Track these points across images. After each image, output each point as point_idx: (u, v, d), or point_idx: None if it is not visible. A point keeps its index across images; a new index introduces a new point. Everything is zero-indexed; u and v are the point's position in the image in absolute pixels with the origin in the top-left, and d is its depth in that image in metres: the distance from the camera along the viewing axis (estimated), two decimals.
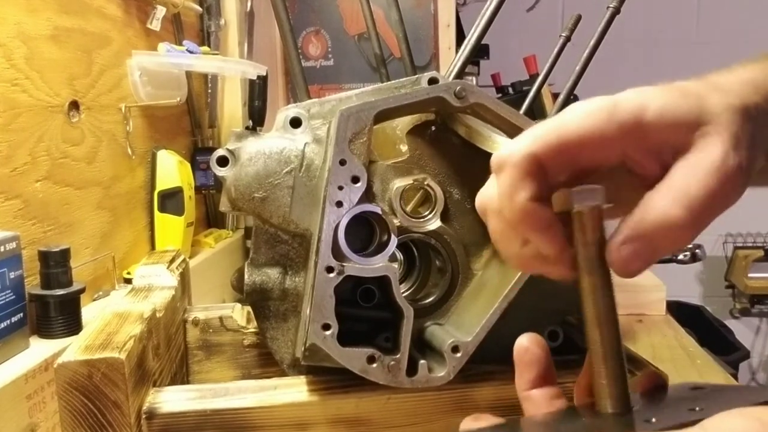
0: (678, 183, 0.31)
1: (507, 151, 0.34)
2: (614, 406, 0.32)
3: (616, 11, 0.77)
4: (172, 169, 1.08)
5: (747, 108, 0.34)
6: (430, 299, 0.55)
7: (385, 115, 0.51)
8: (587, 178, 0.34)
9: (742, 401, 0.26)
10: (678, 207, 0.30)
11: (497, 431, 0.34)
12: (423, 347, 0.53)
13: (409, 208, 0.54)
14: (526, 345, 0.37)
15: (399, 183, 0.53)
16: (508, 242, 0.35)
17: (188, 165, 1.15)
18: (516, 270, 0.48)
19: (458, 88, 0.50)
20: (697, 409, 0.29)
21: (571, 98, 0.81)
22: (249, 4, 1.48)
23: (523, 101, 0.87)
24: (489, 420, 0.35)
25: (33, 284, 0.72)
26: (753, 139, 0.33)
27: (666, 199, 0.31)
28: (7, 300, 0.64)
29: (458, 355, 0.49)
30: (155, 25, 1.10)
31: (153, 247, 1.08)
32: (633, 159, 0.34)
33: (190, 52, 1.12)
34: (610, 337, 0.33)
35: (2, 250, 0.63)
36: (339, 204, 0.48)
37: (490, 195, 0.35)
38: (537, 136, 0.33)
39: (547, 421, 0.35)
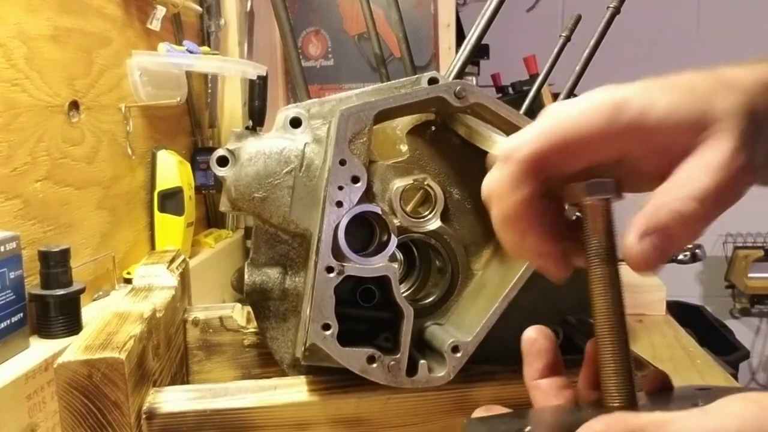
0: (690, 178, 0.32)
1: (513, 144, 0.34)
2: (621, 400, 0.33)
3: (616, 11, 0.77)
4: (172, 169, 1.08)
5: (755, 106, 0.34)
6: (430, 299, 0.55)
7: (385, 115, 0.51)
8: (588, 171, 0.34)
9: None
10: (692, 200, 0.31)
11: (506, 419, 0.35)
12: (423, 347, 0.53)
13: (409, 208, 0.54)
14: (534, 336, 0.38)
15: (399, 183, 0.53)
16: (507, 232, 0.35)
17: (188, 165, 1.15)
18: (514, 258, 0.48)
19: (458, 88, 0.50)
20: (701, 404, 0.29)
21: (571, 98, 0.81)
22: (249, 4, 1.48)
23: (523, 101, 0.87)
24: (501, 411, 0.36)
25: (33, 284, 0.72)
26: (759, 138, 0.34)
27: (681, 193, 0.32)
28: (7, 300, 0.64)
29: (458, 355, 0.49)
30: (155, 25, 1.10)
31: (153, 247, 1.08)
32: (636, 157, 0.34)
33: (190, 52, 1.12)
34: (619, 331, 0.33)
35: (2, 250, 0.63)
36: (339, 204, 0.48)
37: (495, 183, 0.35)
38: (542, 132, 0.33)
39: (553, 413, 0.35)
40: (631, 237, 0.32)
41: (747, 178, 0.33)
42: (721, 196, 0.32)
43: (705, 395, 0.34)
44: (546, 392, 0.37)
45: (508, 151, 0.34)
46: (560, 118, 0.34)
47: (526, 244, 0.35)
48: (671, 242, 0.32)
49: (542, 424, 0.34)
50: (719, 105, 0.33)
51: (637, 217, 0.32)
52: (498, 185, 0.34)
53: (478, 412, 0.36)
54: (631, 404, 0.33)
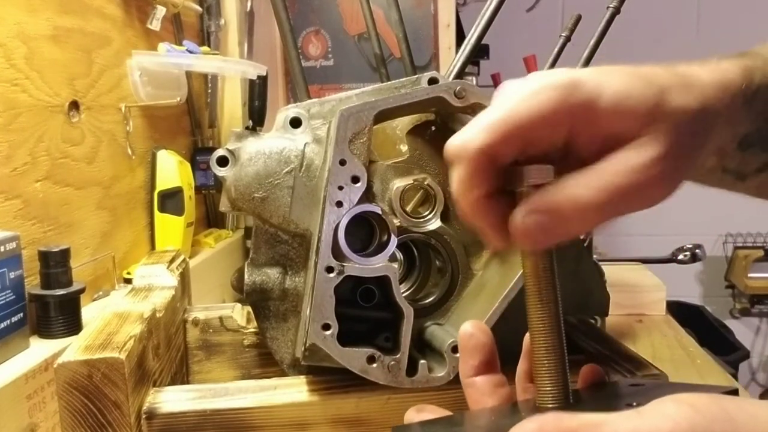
0: (602, 170, 0.32)
1: (460, 142, 0.33)
2: (555, 400, 0.32)
3: (616, 11, 0.77)
4: (172, 169, 1.08)
5: (705, 110, 0.34)
6: (430, 299, 0.55)
7: (385, 115, 0.51)
8: (536, 156, 0.34)
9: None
10: (591, 190, 0.31)
11: (437, 424, 0.34)
12: (423, 347, 0.53)
13: (409, 208, 0.54)
14: (471, 331, 0.37)
15: (399, 183, 0.53)
16: (476, 225, 0.35)
17: (188, 165, 1.15)
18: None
19: (458, 88, 0.50)
20: (635, 404, 0.29)
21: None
22: (249, 4, 1.48)
23: None
24: (433, 411, 0.35)
25: (33, 284, 0.72)
26: (697, 146, 0.34)
27: (583, 180, 0.31)
28: (7, 300, 0.64)
29: (458, 355, 0.49)
30: (155, 25, 1.10)
31: (153, 247, 1.08)
32: (580, 143, 0.33)
33: (190, 52, 1.12)
34: (552, 326, 0.33)
35: (2, 250, 0.63)
36: (339, 204, 0.48)
37: (453, 185, 0.34)
38: (489, 126, 0.32)
39: (488, 416, 0.35)
40: (518, 212, 0.32)
41: (663, 187, 0.32)
42: (628, 197, 0.31)
43: (639, 392, 0.34)
44: (481, 390, 0.36)
45: (457, 150, 0.33)
46: (506, 108, 0.33)
47: (491, 236, 0.34)
48: (559, 224, 0.31)
49: (477, 430, 0.34)
50: (672, 101, 0.33)
51: (538, 193, 0.32)
52: (455, 187, 0.33)
53: (410, 413, 0.36)
54: (565, 404, 0.32)
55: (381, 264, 0.49)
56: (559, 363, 0.33)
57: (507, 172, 0.33)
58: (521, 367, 0.37)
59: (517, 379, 0.37)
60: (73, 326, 0.71)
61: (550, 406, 0.32)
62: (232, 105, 1.43)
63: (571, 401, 0.33)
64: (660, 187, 0.32)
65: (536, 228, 0.32)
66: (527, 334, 0.35)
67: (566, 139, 0.33)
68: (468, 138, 0.33)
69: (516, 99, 0.33)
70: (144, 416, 0.48)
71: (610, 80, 0.33)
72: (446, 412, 0.35)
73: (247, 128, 1.25)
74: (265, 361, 0.66)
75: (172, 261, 0.71)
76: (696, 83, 0.35)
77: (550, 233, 0.32)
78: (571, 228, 0.32)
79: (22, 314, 0.66)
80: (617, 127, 0.32)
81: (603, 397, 0.35)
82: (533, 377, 0.34)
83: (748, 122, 0.39)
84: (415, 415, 0.36)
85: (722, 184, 0.44)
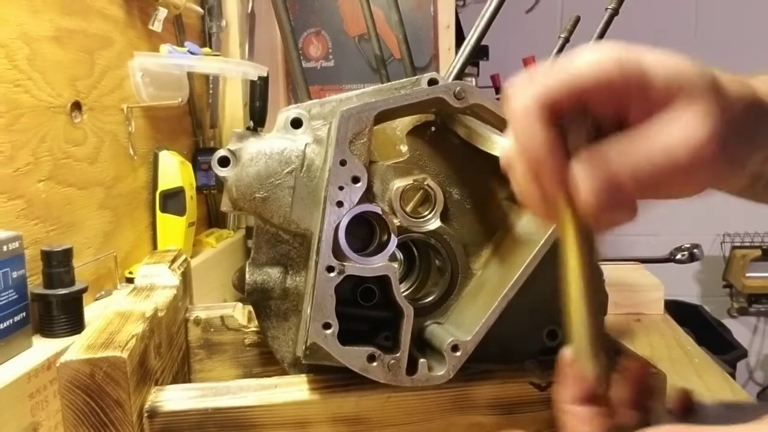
0: (648, 138, 0.32)
1: (527, 83, 0.33)
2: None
3: (615, 12, 0.77)
4: (174, 170, 1.09)
5: (756, 103, 0.34)
6: (430, 298, 0.55)
7: (385, 116, 0.51)
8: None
9: None
10: (641, 152, 0.32)
11: None
12: (423, 346, 0.53)
13: (409, 208, 0.54)
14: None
15: (399, 183, 0.54)
16: (532, 189, 0.35)
17: (190, 165, 1.15)
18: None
19: (458, 88, 0.50)
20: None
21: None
22: (250, 5, 1.48)
23: None
24: None
25: (36, 284, 0.73)
26: (747, 138, 0.34)
27: (633, 145, 0.32)
28: (9, 299, 0.64)
29: (458, 354, 0.49)
30: (157, 26, 1.11)
31: (155, 246, 1.09)
32: (632, 116, 0.33)
33: (192, 53, 1.12)
34: (592, 301, 0.33)
35: (5, 249, 0.64)
36: (339, 204, 0.48)
37: (513, 147, 0.35)
38: (550, 84, 0.33)
39: None
40: (576, 163, 0.32)
41: (712, 167, 0.32)
42: (667, 178, 0.32)
43: (735, 416, 0.34)
44: (581, 419, 0.35)
45: (518, 108, 0.33)
46: (568, 70, 0.33)
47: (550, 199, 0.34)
48: (613, 185, 0.32)
49: None
50: (725, 87, 0.33)
51: (594, 149, 0.32)
52: (518, 142, 0.33)
53: None
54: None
55: (381, 264, 0.49)
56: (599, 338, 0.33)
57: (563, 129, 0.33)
58: (621, 390, 0.36)
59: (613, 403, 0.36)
60: (76, 325, 0.72)
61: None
62: (233, 106, 1.43)
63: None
64: (705, 168, 0.32)
65: (588, 180, 0.32)
66: (628, 357, 0.35)
67: (619, 111, 0.33)
68: (531, 93, 0.33)
69: (575, 66, 0.33)
70: (146, 415, 0.48)
71: (666, 59, 0.33)
72: None
73: (248, 129, 1.26)
74: (266, 360, 0.66)
75: (173, 261, 0.71)
76: (748, 82, 0.35)
77: (603, 189, 0.32)
78: (629, 190, 0.32)
79: (24, 313, 0.66)
80: (669, 102, 0.32)
81: (704, 417, 0.35)
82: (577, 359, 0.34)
83: None
84: None
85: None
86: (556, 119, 0.33)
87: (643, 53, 0.33)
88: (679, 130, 0.31)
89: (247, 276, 0.55)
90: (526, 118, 0.33)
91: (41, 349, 0.67)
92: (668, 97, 0.32)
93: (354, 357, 0.48)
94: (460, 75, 0.69)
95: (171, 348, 0.61)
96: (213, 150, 1.22)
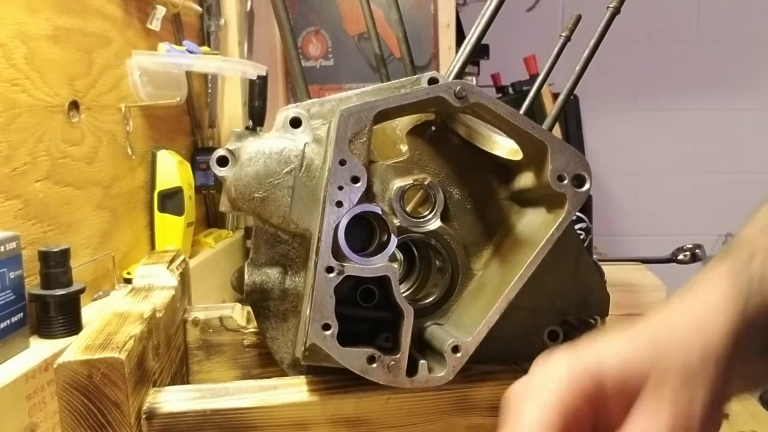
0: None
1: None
2: None
3: (616, 11, 0.77)
4: (172, 169, 1.08)
5: (709, 356, 0.35)
6: (430, 299, 0.55)
7: (385, 115, 0.51)
8: None
9: None
10: None
11: None
12: (423, 347, 0.53)
13: (409, 208, 0.54)
14: None
15: (399, 183, 0.54)
16: None
17: (188, 165, 1.15)
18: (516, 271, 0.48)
19: (458, 88, 0.50)
20: None
21: (571, 98, 0.80)
22: (249, 4, 1.48)
23: (523, 101, 0.87)
24: None
25: (33, 284, 0.72)
26: (715, 387, 0.35)
27: None
28: (7, 300, 0.64)
29: (458, 355, 0.49)
30: (155, 25, 1.10)
31: (153, 247, 1.08)
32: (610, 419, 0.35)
33: (190, 52, 1.12)
34: None
35: (2, 250, 0.63)
36: (339, 204, 0.48)
37: None
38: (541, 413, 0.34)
39: None
40: None
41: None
42: None
43: None
44: None
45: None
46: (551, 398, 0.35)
47: None
48: None
49: None
50: (670, 357, 0.35)
51: None
52: None
53: None
54: None
55: (381, 264, 0.49)
56: None
57: None
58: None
59: None
60: (73, 326, 0.71)
61: None
62: (232, 105, 1.43)
63: None
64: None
65: None
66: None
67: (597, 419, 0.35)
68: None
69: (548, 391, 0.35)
70: (144, 416, 0.48)
71: (620, 361, 0.35)
72: None
73: (247, 128, 1.25)
74: (265, 361, 0.66)
75: (172, 261, 0.71)
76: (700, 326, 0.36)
77: None
78: None
79: (22, 314, 0.66)
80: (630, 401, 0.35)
81: None
82: None
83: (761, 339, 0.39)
84: None
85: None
86: None
87: (600, 359, 0.35)
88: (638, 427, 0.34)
89: (245, 276, 0.55)
90: None
91: (39, 350, 0.67)
92: (632, 395, 0.35)
93: (354, 358, 0.47)
94: (461, 74, 0.69)
95: (169, 349, 0.60)
96: (212, 149, 1.21)
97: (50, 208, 0.80)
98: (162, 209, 1.08)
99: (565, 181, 0.49)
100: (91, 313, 0.76)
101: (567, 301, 0.54)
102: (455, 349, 0.49)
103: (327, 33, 1.71)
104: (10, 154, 0.73)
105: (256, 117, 1.29)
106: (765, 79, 2.42)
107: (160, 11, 1.11)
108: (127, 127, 1.01)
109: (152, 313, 0.56)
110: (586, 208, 1.62)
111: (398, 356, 0.48)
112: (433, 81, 0.53)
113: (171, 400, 0.49)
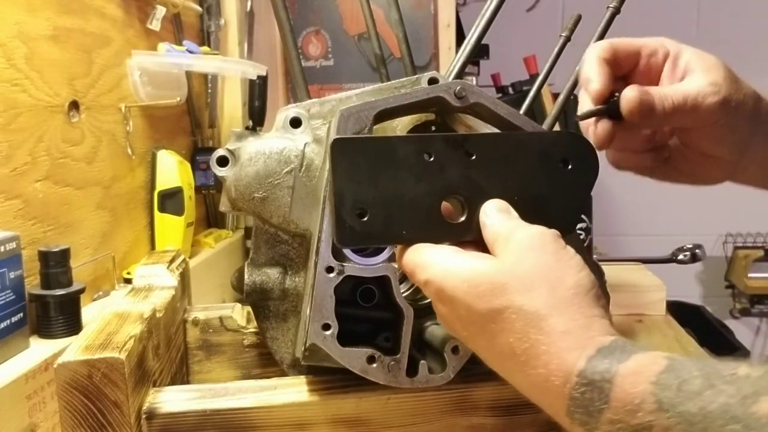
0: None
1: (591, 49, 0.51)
2: None
3: (616, 11, 0.77)
4: (172, 169, 1.08)
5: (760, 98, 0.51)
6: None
7: (385, 115, 0.51)
8: None
9: None
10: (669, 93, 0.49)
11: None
12: (423, 347, 0.53)
13: None
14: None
15: None
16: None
17: (188, 165, 1.15)
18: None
19: (458, 88, 0.50)
20: None
21: (571, 98, 0.81)
22: (249, 4, 1.48)
23: (523, 101, 0.87)
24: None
25: (33, 284, 0.72)
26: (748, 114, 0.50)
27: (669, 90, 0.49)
28: (7, 300, 0.64)
29: (458, 355, 0.49)
30: (155, 25, 1.10)
31: (153, 247, 1.08)
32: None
33: (190, 52, 1.12)
34: None
35: (2, 250, 0.63)
36: None
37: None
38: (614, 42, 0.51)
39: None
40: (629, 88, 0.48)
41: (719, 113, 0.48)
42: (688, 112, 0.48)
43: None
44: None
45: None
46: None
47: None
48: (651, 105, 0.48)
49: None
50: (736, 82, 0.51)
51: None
52: (590, 82, 0.49)
53: None
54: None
55: (381, 264, 0.49)
56: None
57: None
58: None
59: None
60: (73, 326, 0.71)
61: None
62: (232, 105, 1.43)
63: None
64: (708, 112, 0.48)
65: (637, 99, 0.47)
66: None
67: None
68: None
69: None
70: (144, 416, 0.48)
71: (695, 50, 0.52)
72: None
73: (247, 128, 1.25)
74: (265, 361, 0.66)
75: (172, 261, 0.71)
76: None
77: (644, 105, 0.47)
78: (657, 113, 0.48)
79: (22, 314, 0.66)
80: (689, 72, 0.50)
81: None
82: None
83: None
84: None
85: None
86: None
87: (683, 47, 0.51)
88: (692, 86, 0.49)
89: (245, 276, 0.55)
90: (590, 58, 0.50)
91: (39, 350, 0.67)
92: (688, 69, 0.50)
93: (354, 358, 0.47)
94: (461, 74, 0.69)
95: (169, 349, 0.60)
96: (212, 149, 1.21)
97: (50, 208, 0.80)
98: (162, 209, 1.08)
99: None
100: (91, 313, 0.76)
101: None
102: (455, 349, 0.49)
103: (327, 33, 1.71)
104: (10, 154, 0.73)
105: (256, 117, 1.29)
106: (765, 79, 2.42)
107: (160, 11, 1.10)
108: (127, 127, 1.01)
109: (152, 313, 0.56)
110: (586, 208, 1.62)
111: (398, 356, 0.48)
112: (433, 81, 0.53)
113: (171, 400, 0.49)
